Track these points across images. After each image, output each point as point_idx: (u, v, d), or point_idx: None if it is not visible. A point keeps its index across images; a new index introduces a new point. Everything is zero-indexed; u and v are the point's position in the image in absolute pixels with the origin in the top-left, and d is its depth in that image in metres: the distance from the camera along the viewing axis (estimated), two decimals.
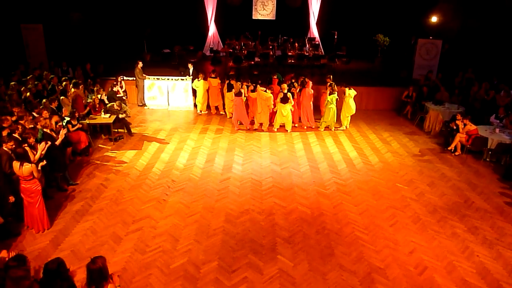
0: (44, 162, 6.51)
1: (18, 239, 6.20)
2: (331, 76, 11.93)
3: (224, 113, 12.72)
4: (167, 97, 13.24)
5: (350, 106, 11.49)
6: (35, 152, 6.66)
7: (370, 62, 18.35)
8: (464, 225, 6.99)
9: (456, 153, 10.08)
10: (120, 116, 10.49)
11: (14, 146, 6.36)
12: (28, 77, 11.07)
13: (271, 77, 12.34)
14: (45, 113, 8.04)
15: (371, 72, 16.54)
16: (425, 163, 9.59)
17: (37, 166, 6.25)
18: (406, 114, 13.03)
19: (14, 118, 7.66)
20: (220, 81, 12.37)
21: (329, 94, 11.15)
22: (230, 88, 11.63)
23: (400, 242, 6.45)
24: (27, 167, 6.00)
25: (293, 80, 11.92)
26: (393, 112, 13.65)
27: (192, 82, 12.68)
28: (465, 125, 9.94)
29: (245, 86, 11.25)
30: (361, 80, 14.50)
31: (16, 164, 6.03)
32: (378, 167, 9.25)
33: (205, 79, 12.35)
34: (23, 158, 6.04)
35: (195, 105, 12.89)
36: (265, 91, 10.94)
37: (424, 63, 15.09)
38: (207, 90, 12.51)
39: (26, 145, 6.60)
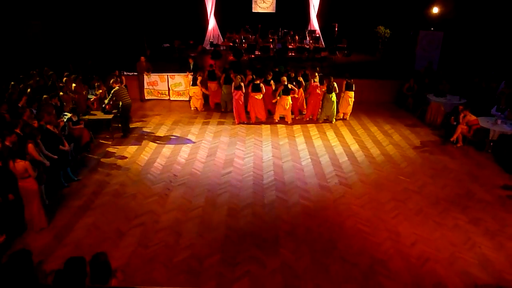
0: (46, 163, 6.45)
1: (22, 236, 6.20)
2: (318, 68, 12.34)
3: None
4: (167, 84, 13.52)
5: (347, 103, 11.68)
6: (37, 149, 6.66)
7: (371, 54, 18.25)
8: (466, 216, 6.99)
9: (458, 145, 10.05)
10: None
11: (15, 141, 6.35)
12: (31, 72, 11.07)
13: (274, 70, 12.29)
14: (50, 109, 8.03)
15: (372, 64, 16.46)
16: (426, 155, 9.57)
17: (41, 164, 6.23)
18: (407, 106, 12.97)
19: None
20: (217, 83, 12.45)
21: (328, 92, 11.19)
22: (228, 81, 11.72)
23: (402, 234, 6.46)
24: (21, 163, 5.94)
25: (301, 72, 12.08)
26: (394, 105, 13.60)
27: (193, 77, 12.63)
28: (464, 116, 9.91)
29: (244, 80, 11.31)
30: (362, 73, 14.45)
31: (11, 161, 5.98)
32: (380, 160, 9.24)
33: (202, 78, 12.27)
34: (17, 154, 6.00)
35: (196, 109, 12.72)
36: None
37: (426, 55, 15.00)
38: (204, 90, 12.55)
39: (32, 141, 6.57)
